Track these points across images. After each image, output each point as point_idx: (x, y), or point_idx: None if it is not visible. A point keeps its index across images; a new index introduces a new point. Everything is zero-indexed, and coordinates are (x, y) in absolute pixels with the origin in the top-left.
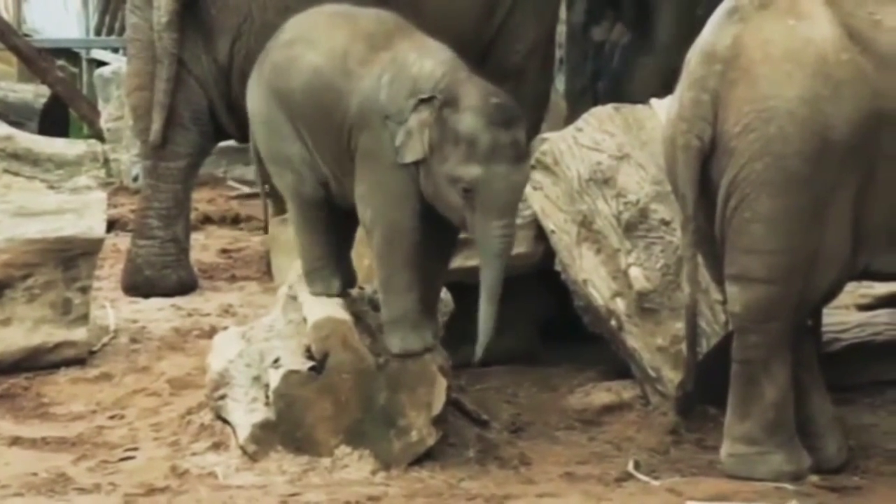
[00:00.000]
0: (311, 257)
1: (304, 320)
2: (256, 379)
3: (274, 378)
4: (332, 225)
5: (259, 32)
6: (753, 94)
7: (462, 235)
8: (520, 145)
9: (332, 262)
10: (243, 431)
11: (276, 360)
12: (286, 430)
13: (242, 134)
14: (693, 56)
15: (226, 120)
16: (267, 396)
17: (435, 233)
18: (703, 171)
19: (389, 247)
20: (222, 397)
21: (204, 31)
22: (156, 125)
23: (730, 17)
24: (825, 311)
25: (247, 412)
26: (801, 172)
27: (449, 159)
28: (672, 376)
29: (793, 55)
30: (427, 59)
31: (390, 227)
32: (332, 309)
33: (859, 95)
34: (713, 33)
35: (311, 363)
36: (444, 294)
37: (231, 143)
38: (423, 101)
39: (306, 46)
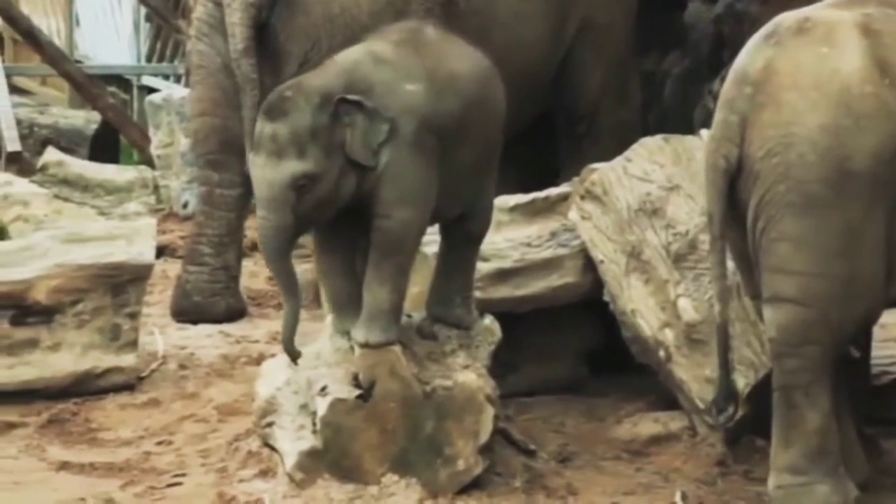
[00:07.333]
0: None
1: (352, 348)
2: (304, 407)
3: (321, 406)
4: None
5: (325, 59)
6: (777, 119)
7: (507, 265)
8: (279, 140)
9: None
10: (290, 459)
11: (324, 388)
12: (333, 459)
13: None
14: (728, 77)
15: None
16: (314, 424)
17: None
18: (732, 192)
19: None
20: (270, 424)
21: (271, 57)
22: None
23: (766, 41)
24: (874, 343)
25: (294, 440)
26: (824, 196)
27: None
28: None
29: (819, 84)
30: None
31: None
32: None
33: (882, 128)
34: (748, 55)
35: (358, 391)
36: (492, 323)
37: None
38: None
39: None
